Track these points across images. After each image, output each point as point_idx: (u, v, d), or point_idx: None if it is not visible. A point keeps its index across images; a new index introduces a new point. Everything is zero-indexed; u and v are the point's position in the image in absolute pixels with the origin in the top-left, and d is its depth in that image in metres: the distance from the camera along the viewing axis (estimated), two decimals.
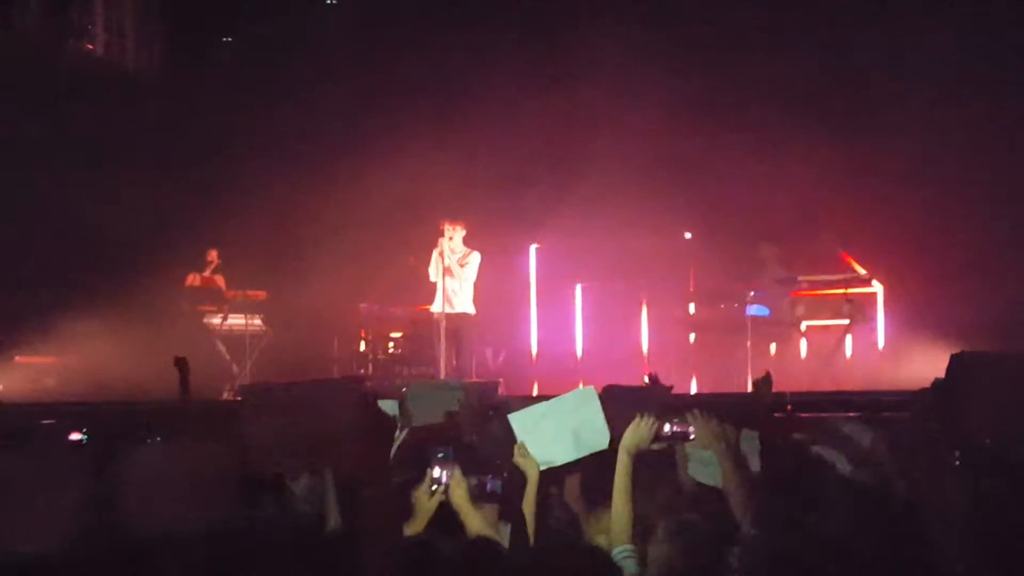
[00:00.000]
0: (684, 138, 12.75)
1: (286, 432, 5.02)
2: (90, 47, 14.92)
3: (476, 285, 11.74)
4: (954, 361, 4.37)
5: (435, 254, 11.62)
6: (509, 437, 5.08)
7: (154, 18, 15.53)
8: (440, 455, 4.98)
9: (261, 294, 13.07)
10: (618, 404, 5.17)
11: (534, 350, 13.54)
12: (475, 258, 11.65)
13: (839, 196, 12.49)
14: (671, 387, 5.87)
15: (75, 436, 6.62)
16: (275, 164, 14.27)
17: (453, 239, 11.56)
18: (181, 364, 5.91)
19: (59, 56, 14.19)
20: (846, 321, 11.50)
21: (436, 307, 11.65)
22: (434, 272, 11.66)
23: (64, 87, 13.59)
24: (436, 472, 4.92)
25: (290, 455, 5.04)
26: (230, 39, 16.08)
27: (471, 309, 11.73)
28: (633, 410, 5.01)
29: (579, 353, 13.26)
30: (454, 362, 11.56)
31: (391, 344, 12.98)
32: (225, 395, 12.47)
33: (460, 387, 6.47)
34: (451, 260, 11.51)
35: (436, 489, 4.86)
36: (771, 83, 12.80)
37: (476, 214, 12.03)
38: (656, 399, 5.55)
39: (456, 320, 11.58)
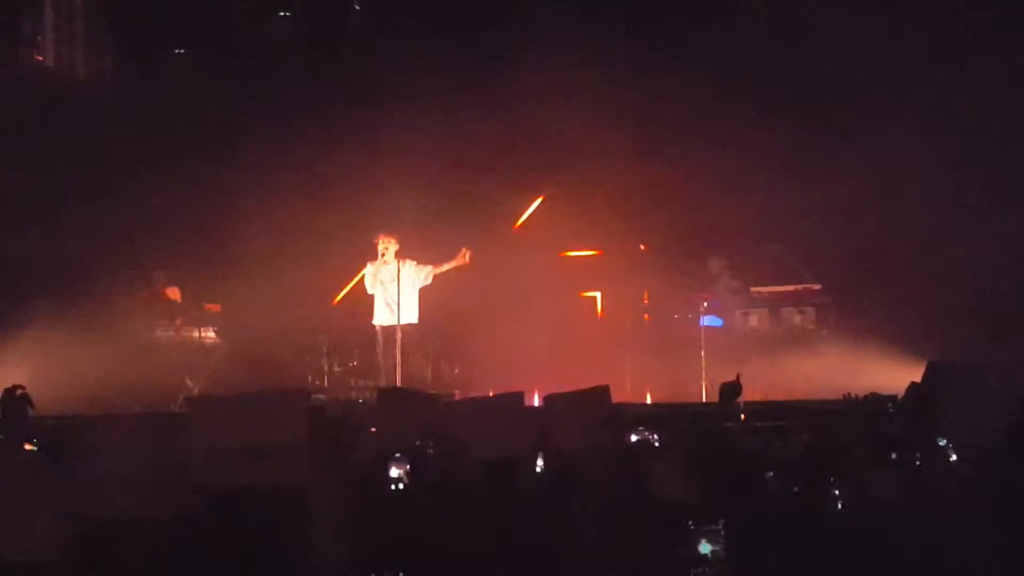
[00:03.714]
0: (639, 152, 12.87)
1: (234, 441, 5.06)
2: (40, 58, 14.78)
3: (423, 294, 11.80)
4: (931, 369, 4.67)
5: (369, 267, 11.76)
6: None
7: (104, 30, 15.42)
8: (396, 456, 5.16)
9: (216, 307, 13.02)
10: (559, 411, 5.39)
11: (489, 361, 13.52)
12: (411, 267, 11.68)
13: (790, 209, 12.66)
14: (607, 386, 6.14)
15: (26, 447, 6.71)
16: (227, 177, 14.19)
17: (387, 251, 11.62)
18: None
19: (9, 67, 14.06)
20: (798, 330, 11.64)
21: (377, 319, 11.74)
22: (370, 284, 11.76)
23: (14, 98, 13.47)
24: (394, 472, 5.07)
25: (238, 464, 5.08)
26: (181, 51, 16.01)
27: (414, 319, 11.80)
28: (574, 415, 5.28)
29: (534, 364, 13.26)
30: (399, 371, 11.60)
31: (346, 356, 12.97)
32: (176, 407, 12.38)
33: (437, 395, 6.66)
34: (400, 274, 11.60)
35: None
36: (727, 100, 12.96)
37: (426, 227, 12.10)
38: (596, 401, 5.78)
39: (399, 332, 11.64)
